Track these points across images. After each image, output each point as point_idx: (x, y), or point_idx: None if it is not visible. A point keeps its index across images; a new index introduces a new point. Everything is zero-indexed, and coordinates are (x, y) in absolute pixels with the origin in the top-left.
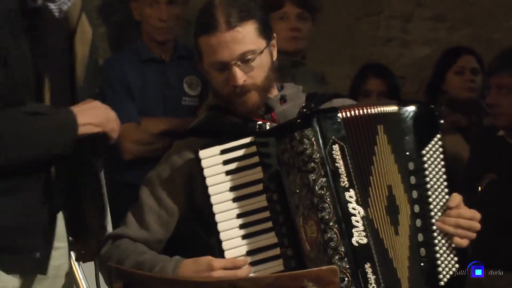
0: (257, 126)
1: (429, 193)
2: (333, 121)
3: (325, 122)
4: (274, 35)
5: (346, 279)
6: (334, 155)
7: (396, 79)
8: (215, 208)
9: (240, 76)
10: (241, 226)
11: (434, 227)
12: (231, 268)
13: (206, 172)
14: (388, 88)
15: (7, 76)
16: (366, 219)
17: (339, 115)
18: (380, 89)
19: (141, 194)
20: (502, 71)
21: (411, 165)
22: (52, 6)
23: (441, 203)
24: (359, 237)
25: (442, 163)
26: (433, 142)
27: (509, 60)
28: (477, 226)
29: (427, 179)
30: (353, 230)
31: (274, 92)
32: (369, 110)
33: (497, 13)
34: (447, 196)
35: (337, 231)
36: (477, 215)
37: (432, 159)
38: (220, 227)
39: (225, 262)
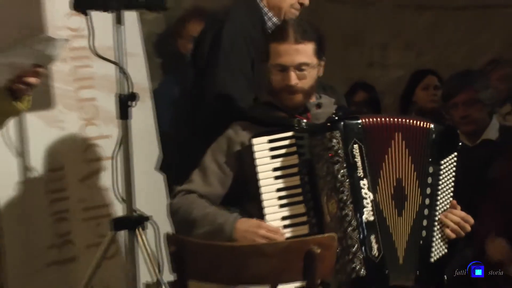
0: (296, 122)
1: (439, 192)
2: (355, 126)
3: (349, 127)
4: (324, 58)
5: (356, 245)
6: (354, 152)
7: (376, 93)
8: (261, 183)
9: (293, 78)
10: (279, 198)
11: (437, 218)
12: (272, 231)
13: (256, 155)
14: (370, 99)
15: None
16: (374, 202)
17: (360, 121)
18: (364, 99)
19: (205, 159)
20: (461, 91)
21: (430, 169)
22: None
23: (446, 202)
24: (367, 215)
25: (454, 174)
26: (451, 156)
27: (463, 82)
28: (468, 228)
29: (440, 182)
30: (363, 210)
31: (313, 99)
32: (386, 120)
33: (454, 42)
34: (451, 199)
35: (351, 209)
36: (471, 219)
37: (447, 168)
38: (264, 197)
39: (268, 226)
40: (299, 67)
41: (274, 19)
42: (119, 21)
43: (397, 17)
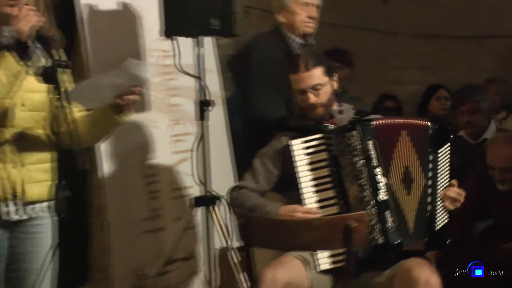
0: (323, 126)
1: (438, 174)
2: (369, 127)
3: (364, 127)
4: (335, 74)
5: (375, 219)
6: (369, 147)
7: (400, 102)
8: (300, 175)
9: (312, 98)
10: (314, 186)
11: (438, 195)
12: (306, 212)
13: (294, 153)
14: (395, 107)
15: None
16: (387, 185)
17: (373, 123)
18: (391, 107)
19: (254, 162)
20: (466, 102)
21: (430, 157)
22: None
23: (444, 182)
24: (382, 195)
25: (449, 159)
26: (445, 146)
27: (467, 95)
28: (462, 199)
29: (438, 166)
30: (378, 191)
31: (335, 106)
32: (394, 121)
33: (458, 63)
34: (448, 179)
35: (369, 192)
36: (463, 193)
37: (443, 156)
38: (302, 185)
39: (303, 208)
40: (314, 88)
41: (297, 40)
42: (198, 44)
43: (414, 44)
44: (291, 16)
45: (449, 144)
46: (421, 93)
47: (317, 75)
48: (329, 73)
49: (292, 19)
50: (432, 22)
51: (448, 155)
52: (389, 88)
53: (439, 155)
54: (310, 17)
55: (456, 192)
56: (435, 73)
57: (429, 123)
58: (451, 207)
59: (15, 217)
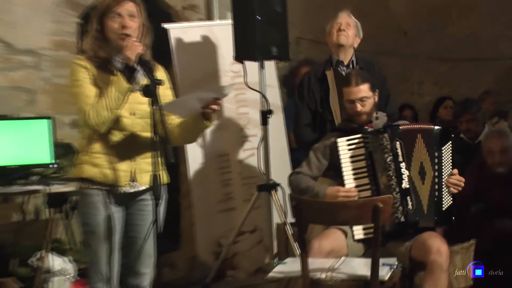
0: (363, 129)
1: (443, 167)
2: (397, 131)
3: (393, 131)
4: (377, 90)
5: (398, 203)
6: (396, 146)
7: (416, 111)
8: (343, 165)
9: (359, 107)
10: (353, 174)
11: (443, 182)
12: (347, 191)
13: (340, 149)
14: (413, 115)
15: None
16: (409, 177)
17: (400, 128)
18: (409, 115)
19: (309, 154)
20: (464, 113)
21: (436, 153)
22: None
23: (447, 172)
24: (405, 184)
25: (451, 154)
26: (447, 144)
27: (465, 107)
28: (462, 185)
29: (442, 160)
30: (402, 181)
31: (374, 114)
32: (413, 127)
33: (463, 79)
34: (450, 169)
35: (395, 181)
36: (463, 179)
37: (446, 151)
38: (344, 174)
39: (345, 188)
40: (361, 100)
41: (339, 59)
42: (262, 66)
43: (428, 65)
44: (329, 37)
45: (450, 142)
46: (432, 103)
47: (364, 89)
48: (373, 89)
49: (329, 40)
50: (443, 48)
51: (450, 150)
52: (408, 99)
53: (443, 151)
54: (338, 30)
55: (457, 178)
56: (444, 87)
57: (435, 127)
58: (455, 191)
59: (131, 191)
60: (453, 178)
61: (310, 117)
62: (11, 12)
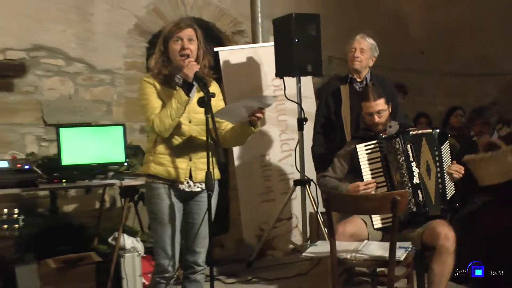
0: (379, 136)
1: (443, 162)
2: (408, 135)
3: (405, 136)
4: (390, 103)
5: (411, 196)
6: (407, 148)
7: (430, 119)
8: (363, 167)
9: (376, 118)
10: (371, 174)
11: (445, 174)
12: (366, 185)
13: (359, 154)
14: (427, 122)
15: None
16: (418, 173)
17: (411, 133)
18: (424, 122)
19: (334, 160)
20: (479, 118)
21: (436, 152)
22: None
23: (447, 165)
24: (416, 180)
25: (449, 151)
26: (446, 143)
27: (477, 115)
28: (462, 172)
29: (442, 157)
30: (413, 178)
31: (388, 123)
32: (420, 131)
33: (471, 91)
34: (450, 162)
35: (407, 178)
36: (463, 167)
37: (445, 149)
38: (364, 173)
39: (364, 183)
40: (378, 112)
41: (353, 77)
42: (299, 81)
43: (442, 80)
44: (348, 59)
45: (447, 141)
46: (445, 112)
47: (381, 103)
48: (387, 102)
49: (348, 60)
50: (454, 65)
51: (448, 148)
52: (424, 108)
53: (442, 149)
54: (353, 56)
55: (457, 166)
56: (455, 99)
57: (435, 131)
58: (457, 176)
59: (187, 190)
60: (453, 167)
61: (323, 123)
62: (93, 40)
